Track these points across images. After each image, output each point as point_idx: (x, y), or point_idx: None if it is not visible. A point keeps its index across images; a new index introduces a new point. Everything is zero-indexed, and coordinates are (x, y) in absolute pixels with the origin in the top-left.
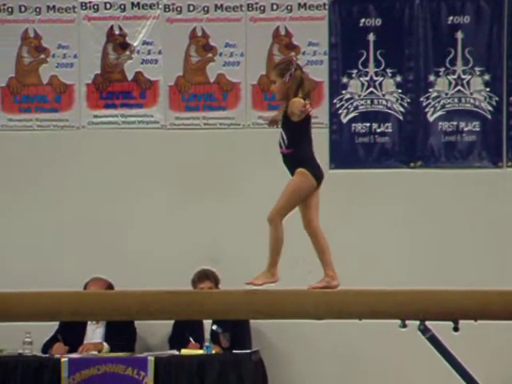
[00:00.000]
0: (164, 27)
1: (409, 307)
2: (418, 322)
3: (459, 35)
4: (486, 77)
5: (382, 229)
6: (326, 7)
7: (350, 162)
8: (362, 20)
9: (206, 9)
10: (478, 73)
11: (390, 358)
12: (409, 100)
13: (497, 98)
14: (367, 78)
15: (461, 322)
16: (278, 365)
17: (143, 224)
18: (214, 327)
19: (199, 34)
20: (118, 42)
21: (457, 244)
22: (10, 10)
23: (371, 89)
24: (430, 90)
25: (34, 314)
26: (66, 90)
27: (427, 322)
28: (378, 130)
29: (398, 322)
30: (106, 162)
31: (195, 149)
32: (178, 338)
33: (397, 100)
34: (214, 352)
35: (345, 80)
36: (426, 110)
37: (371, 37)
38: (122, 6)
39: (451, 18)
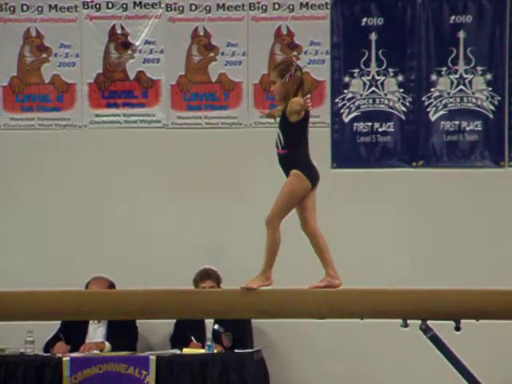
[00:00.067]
0: (166, 26)
1: (410, 307)
2: (419, 322)
3: (461, 34)
4: (488, 76)
5: (383, 228)
6: (328, 6)
7: (352, 161)
8: (364, 19)
9: (207, 8)
10: (480, 72)
11: (391, 357)
12: (411, 99)
13: (499, 98)
14: (369, 78)
15: (462, 321)
16: (280, 364)
17: (145, 223)
18: (216, 326)
19: (201, 33)
20: (120, 42)
21: (458, 243)
22: (12, 9)
23: (373, 88)
24: (432, 89)
25: (36, 314)
26: (68, 89)
27: (429, 322)
28: (380, 130)
29: (400, 321)
30: (108, 161)
31: (197, 148)
32: (179, 338)
33: (399, 99)
34: (215, 351)
35: (347, 79)
36: (428, 109)
37: (373, 36)
38: (124, 6)
39: (453, 17)
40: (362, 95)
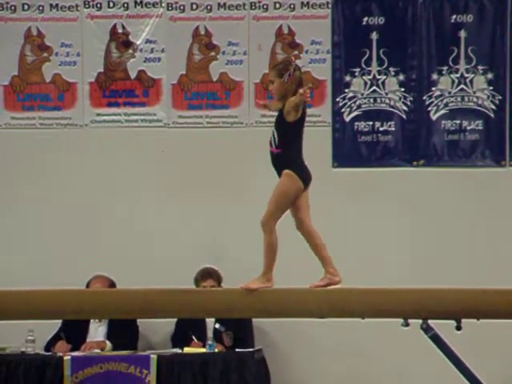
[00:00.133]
0: (167, 26)
1: (411, 306)
2: (420, 321)
3: (462, 34)
4: (489, 75)
5: (384, 227)
6: (329, 6)
7: (353, 160)
8: (365, 18)
9: (208, 7)
10: (481, 71)
11: (392, 356)
12: (412, 98)
13: (500, 97)
14: (370, 77)
15: (463, 320)
16: (281, 363)
17: (145, 222)
18: (217, 326)
19: (202, 32)
20: (121, 41)
21: (459, 243)
22: (13, 8)
23: (374, 87)
24: (433, 88)
25: (37, 313)
26: (69, 88)
27: (429, 321)
28: (381, 129)
29: (401, 320)
30: (109, 161)
31: (198, 147)
32: (180, 337)
33: (400, 98)
34: (216, 350)
35: (348, 78)
36: (429, 108)
37: (374, 35)
38: (125, 5)
39: (454, 16)
40: (362, 94)
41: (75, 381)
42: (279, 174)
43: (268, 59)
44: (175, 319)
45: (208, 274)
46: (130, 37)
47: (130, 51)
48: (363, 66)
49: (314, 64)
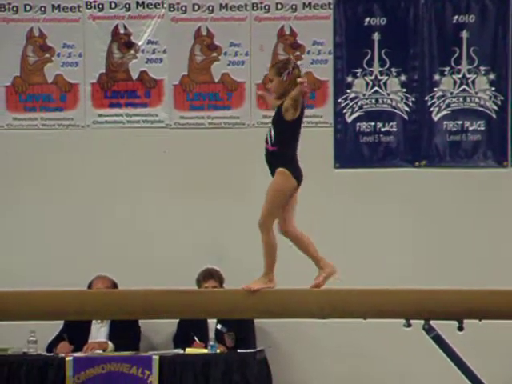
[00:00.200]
0: (169, 26)
1: (413, 306)
2: (422, 322)
3: (464, 34)
4: (491, 76)
5: (386, 228)
6: (331, 6)
7: (355, 161)
8: (367, 19)
9: (210, 8)
10: (482, 72)
11: (394, 357)
12: (413, 99)
13: (502, 97)
14: (372, 77)
15: (465, 321)
16: (283, 364)
17: (147, 223)
18: (219, 326)
19: (204, 33)
20: (123, 41)
21: (461, 243)
22: (15, 9)
23: (376, 88)
24: (435, 89)
25: (39, 314)
26: (71, 89)
27: (431, 322)
28: (383, 130)
29: (403, 321)
30: (111, 161)
31: (200, 148)
32: (182, 337)
33: (401, 99)
34: (218, 351)
35: (349, 79)
36: (431, 109)
37: (376, 36)
38: (127, 5)
39: (456, 17)
40: (364, 95)
41: (77, 382)
42: (272, 172)
43: (270, 60)
44: (177, 320)
45: (210, 275)
46: (131, 38)
47: (132, 52)
48: (365, 66)
49: (316, 65)
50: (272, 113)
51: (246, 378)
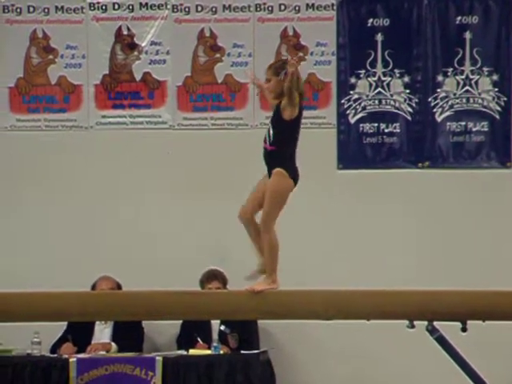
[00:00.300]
0: (172, 28)
1: (416, 308)
2: (425, 323)
3: (467, 35)
4: (495, 77)
5: (389, 229)
6: (334, 7)
7: (358, 162)
8: (370, 20)
9: (214, 9)
10: (486, 73)
11: (397, 358)
12: (417, 100)
13: (505, 98)
14: (375, 79)
15: (469, 322)
16: (286, 365)
17: (150, 224)
18: (222, 327)
19: (207, 34)
20: (126, 43)
21: (465, 244)
22: (18, 10)
23: (379, 89)
24: (438, 90)
25: (43, 315)
26: (75, 90)
27: (435, 323)
28: (386, 131)
29: (406, 322)
30: (114, 163)
31: (203, 149)
32: (186, 338)
33: (405, 100)
34: (222, 352)
35: (353, 80)
36: (434, 110)
37: (379, 37)
38: (130, 7)
39: (459, 18)
40: (368, 96)
41: (81, 383)
42: (269, 171)
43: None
44: (180, 321)
45: (213, 276)
46: (135, 39)
47: (135, 53)
48: (368, 67)
49: (319, 66)
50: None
51: (249, 379)
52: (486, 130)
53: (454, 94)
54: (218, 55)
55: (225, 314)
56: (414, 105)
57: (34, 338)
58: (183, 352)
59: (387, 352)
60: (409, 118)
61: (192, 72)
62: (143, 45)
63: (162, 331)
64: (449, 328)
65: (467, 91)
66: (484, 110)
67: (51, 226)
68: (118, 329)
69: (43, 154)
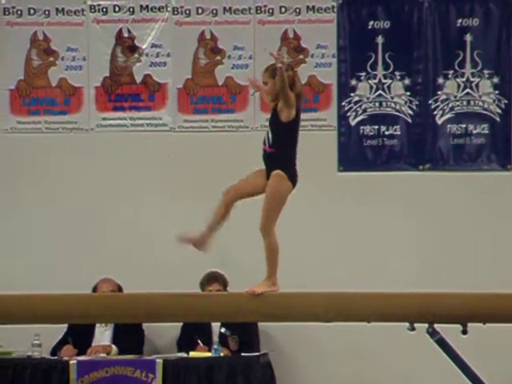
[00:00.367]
0: (173, 30)
1: (417, 310)
2: (426, 325)
3: (468, 38)
4: (495, 79)
5: (390, 231)
6: (335, 10)
7: (359, 164)
8: (371, 22)
9: (214, 12)
10: (486, 75)
11: (398, 360)
12: (417, 102)
13: (505, 101)
14: (376, 81)
15: (469, 325)
16: (287, 367)
17: (151, 226)
18: (223, 330)
19: (208, 36)
20: (127, 45)
21: (465, 247)
22: (19, 12)
23: (380, 91)
24: (439, 92)
25: (43, 317)
26: (75, 92)
27: (435, 325)
28: (387, 133)
29: (407, 324)
30: (115, 165)
31: (203, 151)
32: (186, 341)
33: (405, 102)
34: (222, 355)
35: (353, 82)
36: (435, 112)
37: (380, 39)
38: (131, 9)
39: (460, 20)
40: (368, 98)
41: None
42: (269, 173)
43: None
44: (181, 323)
45: (214, 278)
46: (135, 41)
47: (136, 55)
48: (369, 70)
49: (320, 68)
50: None
51: (249, 381)
52: (486, 132)
53: (455, 97)
54: (218, 57)
55: (225, 316)
56: (414, 107)
57: (35, 341)
58: (183, 354)
59: (388, 354)
60: (409, 120)
61: (192, 74)
62: (144, 47)
63: (163, 333)
64: (449, 330)
65: (468, 94)
66: (484, 112)
67: (52, 227)
68: (118, 331)
69: (44, 157)
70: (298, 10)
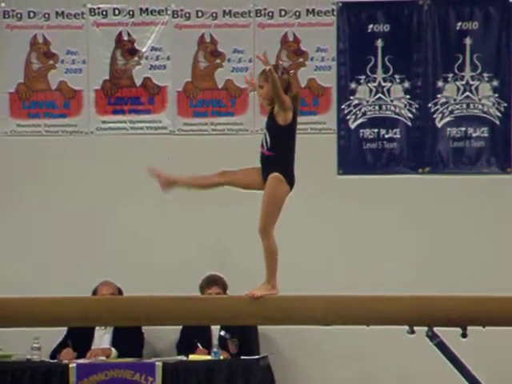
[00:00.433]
0: (172, 33)
1: (416, 313)
2: (425, 328)
3: (468, 41)
4: (495, 83)
5: (389, 234)
6: (335, 13)
7: (358, 167)
8: (370, 26)
9: (214, 15)
10: (486, 79)
11: (397, 363)
12: (417, 106)
13: (505, 104)
14: (375, 84)
15: (469, 328)
16: (286, 370)
17: (150, 229)
18: (222, 333)
19: (207, 39)
20: (127, 48)
21: (465, 250)
22: (19, 15)
23: (379, 94)
24: (439, 95)
25: (43, 320)
26: (75, 95)
27: (435, 328)
28: (386, 136)
29: (406, 327)
30: (114, 168)
31: (203, 154)
32: (185, 344)
33: (405, 106)
34: (221, 358)
35: (353, 86)
36: (435, 115)
37: (379, 42)
38: (131, 12)
39: (460, 23)
40: (368, 101)
41: None
42: (266, 177)
43: None
44: (180, 326)
45: (213, 282)
46: (135, 44)
47: (136, 58)
48: (368, 73)
49: (320, 71)
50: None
51: None
52: (486, 135)
53: (454, 100)
54: (218, 61)
55: (225, 319)
56: (414, 110)
57: (34, 344)
58: (183, 357)
59: (387, 357)
60: (409, 123)
61: (192, 77)
62: (143, 50)
63: (162, 336)
64: (449, 334)
65: (467, 97)
66: (484, 115)
67: (51, 230)
68: (117, 334)
69: (43, 160)
70: (297, 13)
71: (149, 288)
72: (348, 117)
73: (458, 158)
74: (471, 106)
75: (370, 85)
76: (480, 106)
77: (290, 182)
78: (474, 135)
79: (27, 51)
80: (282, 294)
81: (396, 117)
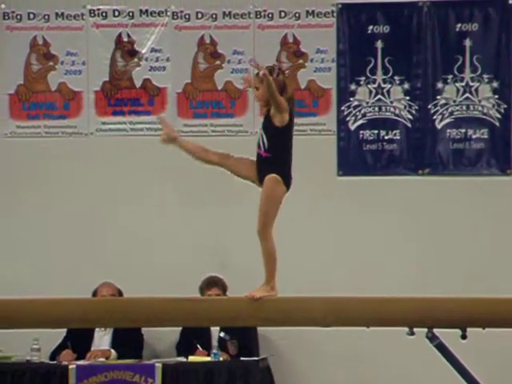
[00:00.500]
0: (172, 34)
1: (416, 315)
2: (425, 330)
3: (467, 42)
4: (495, 84)
5: (389, 236)
6: (334, 14)
7: (358, 169)
8: (370, 27)
9: (214, 16)
10: (486, 80)
11: (397, 365)
12: (417, 107)
13: (505, 106)
14: (375, 85)
15: (469, 329)
16: (286, 372)
17: (150, 230)
18: (222, 334)
19: (207, 41)
20: (127, 50)
21: (465, 251)
22: (18, 17)
23: (379, 96)
24: (438, 97)
25: (43, 321)
26: (75, 96)
27: (435, 330)
28: (386, 137)
29: (406, 328)
30: (114, 169)
31: None
32: (185, 345)
33: (405, 107)
34: (221, 359)
35: (353, 87)
36: (434, 117)
37: (379, 44)
38: (131, 14)
39: (459, 25)
40: (368, 103)
41: None
42: (262, 177)
43: None
44: (180, 328)
45: (213, 283)
46: (135, 46)
47: (136, 60)
48: (368, 74)
49: (319, 73)
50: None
51: None
52: (485, 137)
53: (454, 101)
54: (218, 62)
55: (224, 320)
56: (413, 112)
57: (34, 345)
58: (183, 359)
59: (387, 358)
60: (409, 124)
61: (192, 79)
62: (143, 51)
63: (162, 338)
64: (448, 335)
65: (467, 98)
66: (484, 117)
67: (51, 232)
68: (117, 336)
69: (43, 161)
70: (297, 15)
71: (149, 289)
72: (348, 118)
73: (458, 159)
74: (471, 107)
75: (369, 86)
76: (480, 108)
77: (287, 182)
78: (473, 137)
79: (27, 52)
80: (281, 296)
81: (396, 118)
